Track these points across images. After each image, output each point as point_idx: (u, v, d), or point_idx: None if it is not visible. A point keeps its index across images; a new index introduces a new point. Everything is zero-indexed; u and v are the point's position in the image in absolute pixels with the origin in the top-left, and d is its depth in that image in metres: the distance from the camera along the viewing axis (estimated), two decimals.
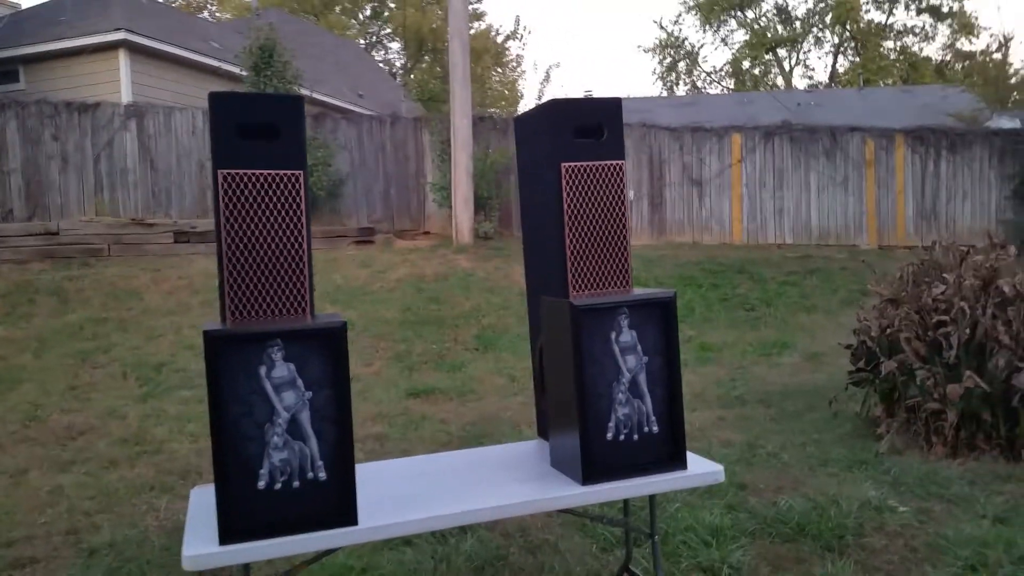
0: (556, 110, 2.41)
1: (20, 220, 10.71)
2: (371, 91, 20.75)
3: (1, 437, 5.17)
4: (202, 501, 2.22)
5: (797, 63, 38.85)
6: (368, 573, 2.94)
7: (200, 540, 1.95)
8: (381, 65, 31.90)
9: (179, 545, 3.28)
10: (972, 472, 3.80)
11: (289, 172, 2.21)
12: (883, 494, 3.53)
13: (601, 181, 2.43)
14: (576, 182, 2.40)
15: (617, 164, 2.45)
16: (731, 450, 4.33)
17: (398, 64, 34.97)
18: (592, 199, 2.41)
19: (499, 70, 35.75)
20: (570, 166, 2.39)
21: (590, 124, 2.44)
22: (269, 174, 2.19)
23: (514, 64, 36.68)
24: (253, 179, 2.17)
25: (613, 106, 2.47)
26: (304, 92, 12.66)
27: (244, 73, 11.60)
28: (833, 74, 37.40)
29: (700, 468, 2.31)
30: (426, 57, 33.70)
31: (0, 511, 3.87)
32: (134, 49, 12.73)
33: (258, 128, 2.18)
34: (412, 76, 33.28)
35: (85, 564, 3.20)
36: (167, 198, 11.59)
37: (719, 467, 2.31)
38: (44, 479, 4.37)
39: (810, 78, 39.28)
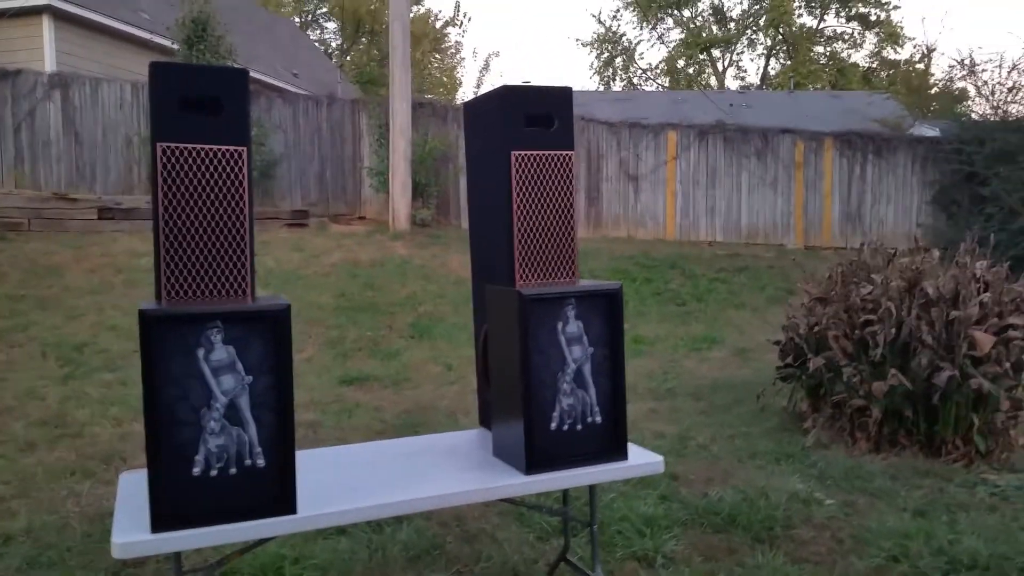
0: (508, 97, 2.40)
1: None
2: (307, 71, 20.29)
3: None
4: (131, 487, 2.14)
5: (730, 64, 39.77)
6: (302, 563, 2.88)
7: (130, 527, 1.87)
8: (317, 45, 31.22)
9: (102, 532, 3.18)
10: (894, 467, 3.97)
11: (232, 148, 2.14)
12: (810, 487, 3.66)
13: (551, 171, 2.42)
14: (526, 171, 2.39)
15: (567, 155, 2.46)
16: (663, 442, 4.41)
17: (334, 45, 34.28)
18: (541, 189, 2.41)
19: (438, 56, 35.47)
20: (520, 154, 2.38)
21: (541, 113, 2.43)
22: (211, 149, 2.11)
23: (453, 51, 36.45)
24: (194, 154, 2.09)
25: (564, 96, 2.47)
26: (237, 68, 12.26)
27: (176, 46, 11.18)
28: (765, 76, 38.42)
29: (641, 459, 2.34)
30: (363, 39, 33.12)
31: None
32: (59, 16, 12.12)
33: (201, 101, 2.10)
34: (348, 58, 32.70)
35: (0, 551, 3.04)
36: (91, 173, 11.09)
37: (659, 458, 2.35)
38: None
39: (742, 79, 40.28)
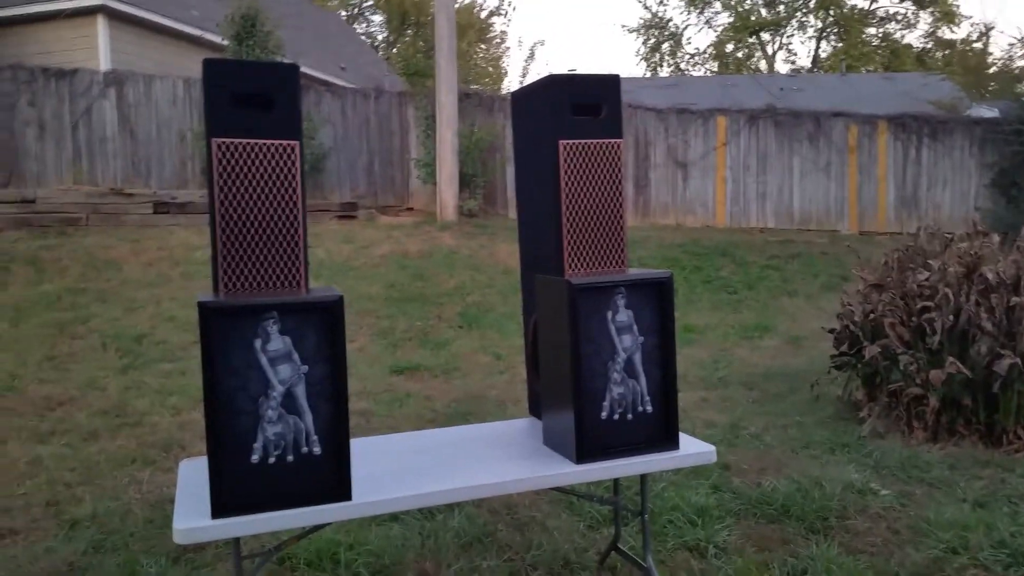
0: (555, 87, 2.39)
1: None
2: (353, 64, 20.49)
3: None
4: (191, 474, 2.20)
5: (780, 47, 38.92)
6: (356, 548, 2.93)
7: (191, 513, 1.93)
8: (363, 38, 31.47)
9: (162, 518, 3.28)
10: (952, 457, 3.87)
11: (284, 142, 2.17)
12: (865, 477, 3.59)
13: (599, 159, 2.41)
14: (574, 160, 2.38)
15: (615, 143, 2.44)
16: (714, 431, 4.36)
17: (380, 38, 34.52)
18: (590, 177, 2.40)
19: (483, 46, 35.45)
20: (568, 144, 2.37)
21: (589, 101, 2.41)
22: (264, 143, 2.15)
23: (498, 41, 36.39)
24: (248, 149, 2.13)
25: (612, 83, 2.45)
26: (286, 63, 12.44)
27: (226, 42, 11.39)
28: (816, 59, 37.50)
29: (692, 448, 2.32)
30: (409, 31, 33.30)
31: None
32: (113, 15, 12.44)
33: (253, 97, 2.14)
34: (395, 50, 32.90)
35: (67, 536, 3.16)
36: (147, 168, 11.39)
37: (711, 448, 2.32)
38: (22, 450, 4.31)
39: (792, 63, 39.37)
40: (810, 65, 37.43)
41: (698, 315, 8.28)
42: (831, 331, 4.93)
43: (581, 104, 2.40)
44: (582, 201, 2.39)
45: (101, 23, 12.16)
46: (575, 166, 2.38)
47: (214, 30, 12.75)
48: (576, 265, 2.37)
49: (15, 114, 10.75)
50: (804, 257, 10.74)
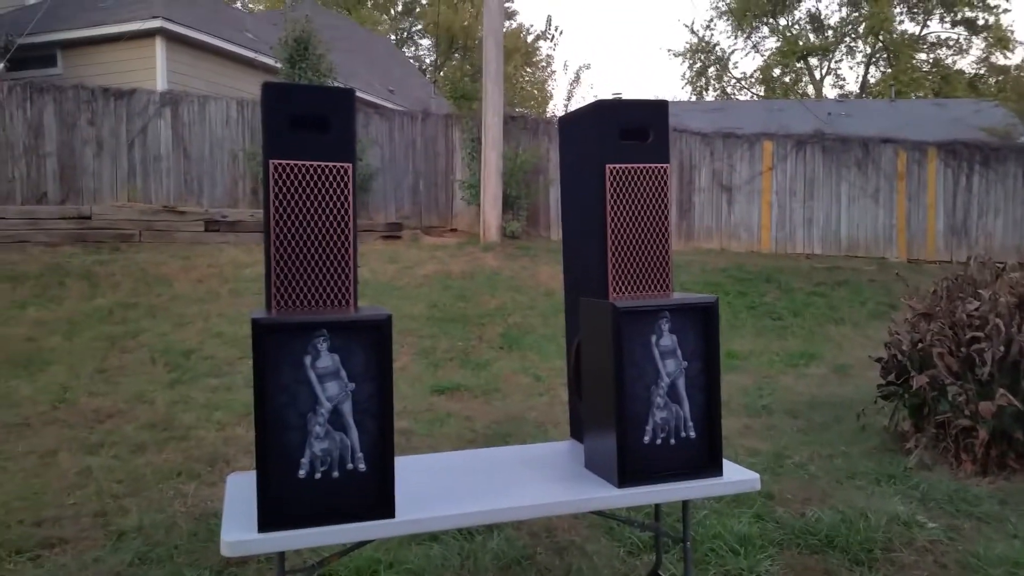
0: (602, 111, 2.42)
1: (54, 203, 10.86)
2: (402, 87, 20.84)
3: (31, 418, 5.24)
4: (239, 488, 2.24)
5: (828, 72, 38.55)
6: (396, 567, 2.95)
7: (238, 526, 1.96)
8: (412, 61, 32.00)
9: (207, 531, 3.33)
10: (1002, 491, 3.75)
11: (338, 164, 2.23)
12: (912, 509, 3.50)
13: (645, 184, 2.43)
14: (620, 184, 2.40)
15: (662, 167, 2.45)
16: (758, 459, 4.30)
17: (428, 61, 35.09)
18: (636, 202, 2.41)
19: (529, 70, 35.78)
20: (615, 168, 2.39)
21: (636, 126, 2.44)
22: (319, 165, 2.21)
23: (544, 64, 36.70)
24: (303, 170, 2.19)
25: (659, 108, 2.47)
26: (337, 86, 12.73)
27: (279, 65, 11.69)
28: (864, 85, 37.05)
29: (736, 476, 2.30)
30: (456, 54, 33.81)
31: (30, 491, 3.93)
32: (170, 37, 12.87)
33: (309, 120, 2.21)
34: (442, 73, 33.37)
35: (114, 546, 3.23)
36: (199, 187, 11.70)
37: (755, 475, 2.30)
38: (73, 461, 4.43)
39: (841, 88, 38.95)
40: (859, 90, 36.99)
41: (742, 341, 8.18)
42: (878, 360, 4.84)
43: (629, 129, 2.42)
44: (628, 225, 2.40)
45: (159, 45, 12.59)
46: (621, 190, 2.40)
47: (267, 52, 13.11)
48: (620, 288, 2.38)
49: (76, 132, 11.15)
50: (851, 284, 10.55)
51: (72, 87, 11.28)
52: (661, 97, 2.52)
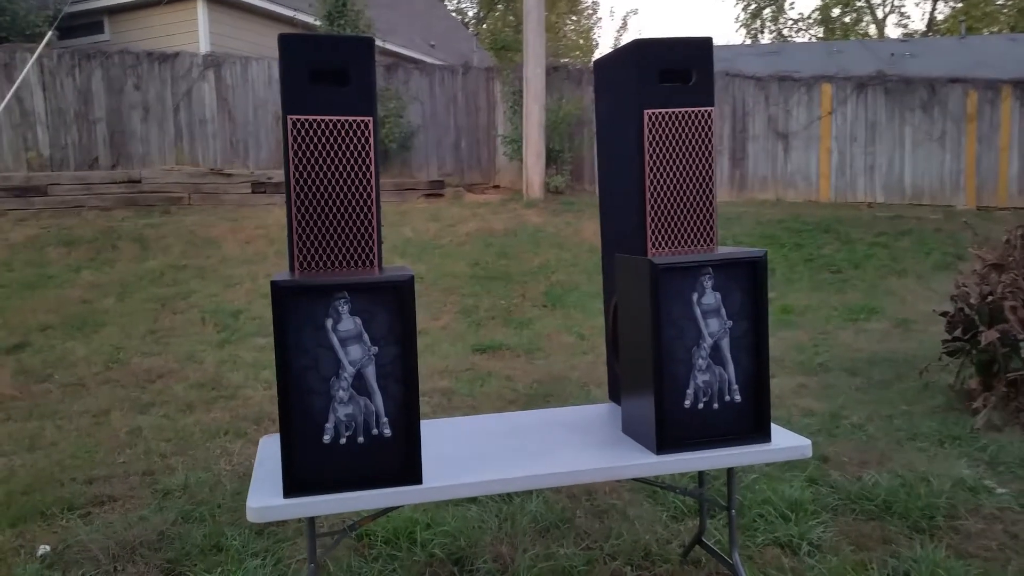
0: (640, 51, 2.24)
1: (105, 168, 11.04)
2: (443, 41, 20.54)
3: (86, 378, 5.36)
4: (270, 451, 2.21)
5: (892, 10, 36.79)
6: (433, 528, 2.91)
7: (265, 492, 1.93)
8: (453, 14, 31.54)
9: (248, 490, 3.34)
10: None
11: (359, 118, 2.12)
12: (979, 473, 3.31)
13: (687, 130, 2.25)
14: (660, 130, 2.23)
15: (705, 111, 2.28)
16: (813, 420, 4.13)
17: (470, 14, 34.51)
18: (677, 149, 2.25)
19: (574, 18, 34.95)
20: (653, 113, 2.22)
21: (677, 67, 2.25)
22: (339, 120, 2.11)
23: (589, 12, 35.79)
24: (322, 125, 2.09)
25: (702, 47, 2.28)
26: (376, 42, 12.54)
27: (318, 23, 11.57)
28: (931, 22, 35.19)
29: (785, 442, 2.16)
30: (499, 6, 33.14)
31: (83, 450, 4.01)
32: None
33: (328, 73, 2.09)
34: (484, 26, 32.83)
35: (159, 505, 3.27)
36: (244, 149, 11.75)
37: (806, 442, 2.15)
38: (124, 420, 4.51)
39: (905, 27, 37.13)
40: (925, 28, 35.17)
41: (798, 296, 7.91)
42: (943, 314, 4.58)
43: (669, 70, 2.24)
44: (668, 174, 2.24)
45: (200, 7, 12.55)
46: (661, 137, 2.23)
47: (307, 10, 12.98)
48: (660, 243, 2.23)
49: (123, 98, 11.26)
50: (915, 234, 10.10)
51: (118, 52, 11.36)
52: (707, 35, 2.32)
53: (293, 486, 1.89)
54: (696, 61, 2.26)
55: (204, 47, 12.35)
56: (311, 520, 2.05)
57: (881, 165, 12.22)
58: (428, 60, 16.18)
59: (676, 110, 2.24)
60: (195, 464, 3.75)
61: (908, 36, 33.38)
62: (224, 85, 11.58)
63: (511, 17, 30.48)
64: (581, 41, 35.15)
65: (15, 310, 6.84)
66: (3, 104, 10.45)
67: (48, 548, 2.92)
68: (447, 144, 12.48)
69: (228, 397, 4.89)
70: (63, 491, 3.46)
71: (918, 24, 36.69)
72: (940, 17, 35.03)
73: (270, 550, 2.85)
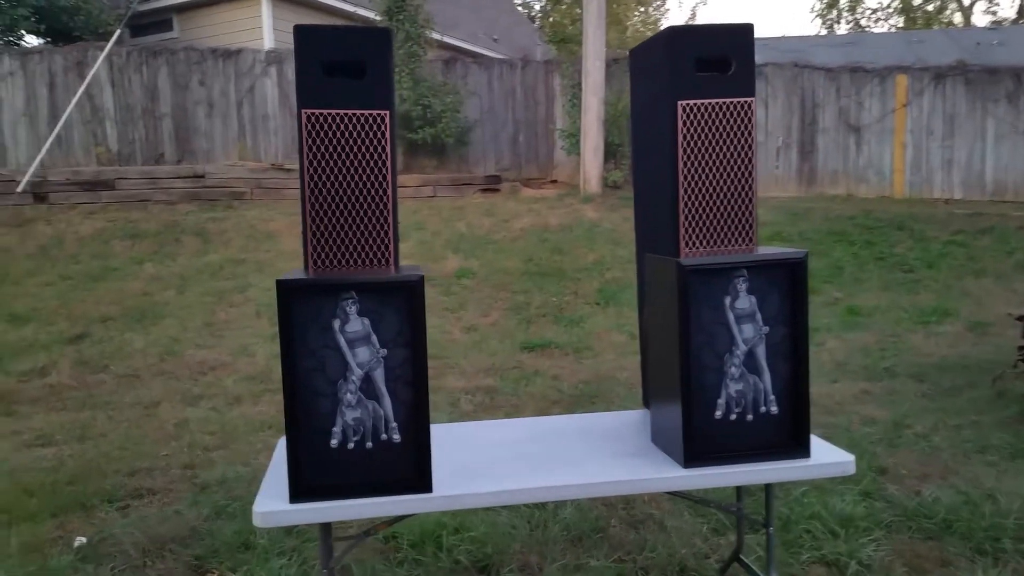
0: (675, 39, 2.09)
1: (170, 163, 11.35)
2: (506, 35, 20.47)
3: (140, 369, 5.48)
4: (284, 453, 2.15)
5: None
6: (461, 533, 2.83)
7: (273, 496, 1.87)
8: (519, 8, 31.43)
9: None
10: None
11: (375, 112, 2.05)
12: None
13: (725, 121, 2.10)
14: (695, 123, 2.08)
15: (745, 102, 2.12)
16: (874, 429, 3.90)
17: (537, 7, 34.32)
18: (714, 142, 2.10)
19: (641, 9, 34.41)
20: (688, 104, 2.08)
21: (715, 55, 2.10)
22: (354, 114, 2.03)
23: (658, 3, 35.18)
24: (338, 119, 2.02)
25: (743, 34, 2.12)
26: (435, 36, 12.54)
27: (378, 18, 11.63)
28: (1023, 8, 33.37)
29: (825, 457, 1.99)
30: None
31: (130, 441, 4.08)
32: None
33: (344, 65, 2.02)
34: (550, 19, 32.63)
35: (194, 500, 3.28)
36: None
37: (849, 458, 1.98)
38: (173, 412, 4.58)
39: (993, 13, 35.28)
40: (1015, 15, 33.37)
41: (866, 296, 7.55)
42: (1020, 318, 4.27)
43: (706, 59, 2.09)
44: (704, 170, 2.09)
45: (264, 4, 12.77)
46: (696, 129, 2.09)
47: (367, 5, 13.07)
48: (694, 243, 2.09)
49: (188, 94, 11.55)
50: (996, 232, 9.53)
51: (183, 49, 11.65)
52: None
53: (299, 491, 1.83)
54: (736, 49, 2.11)
55: (268, 43, 12.57)
56: (325, 526, 2.00)
57: (960, 159, 11.60)
58: (488, 54, 16.13)
59: (714, 101, 2.10)
60: (235, 458, 3.77)
61: (997, 24, 31.71)
62: (286, 81, 11.74)
63: (577, 11, 30.19)
64: (648, 33, 34.60)
65: (79, 301, 7.06)
66: (75, 100, 10.84)
67: (84, 540, 2.96)
68: (504, 138, 12.39)
69: (275, 391, 4.92)
70: (105, 483, 3.51)
71: (1008, 11, 34.80)
72: None
73: (297, 549, 2.82)
